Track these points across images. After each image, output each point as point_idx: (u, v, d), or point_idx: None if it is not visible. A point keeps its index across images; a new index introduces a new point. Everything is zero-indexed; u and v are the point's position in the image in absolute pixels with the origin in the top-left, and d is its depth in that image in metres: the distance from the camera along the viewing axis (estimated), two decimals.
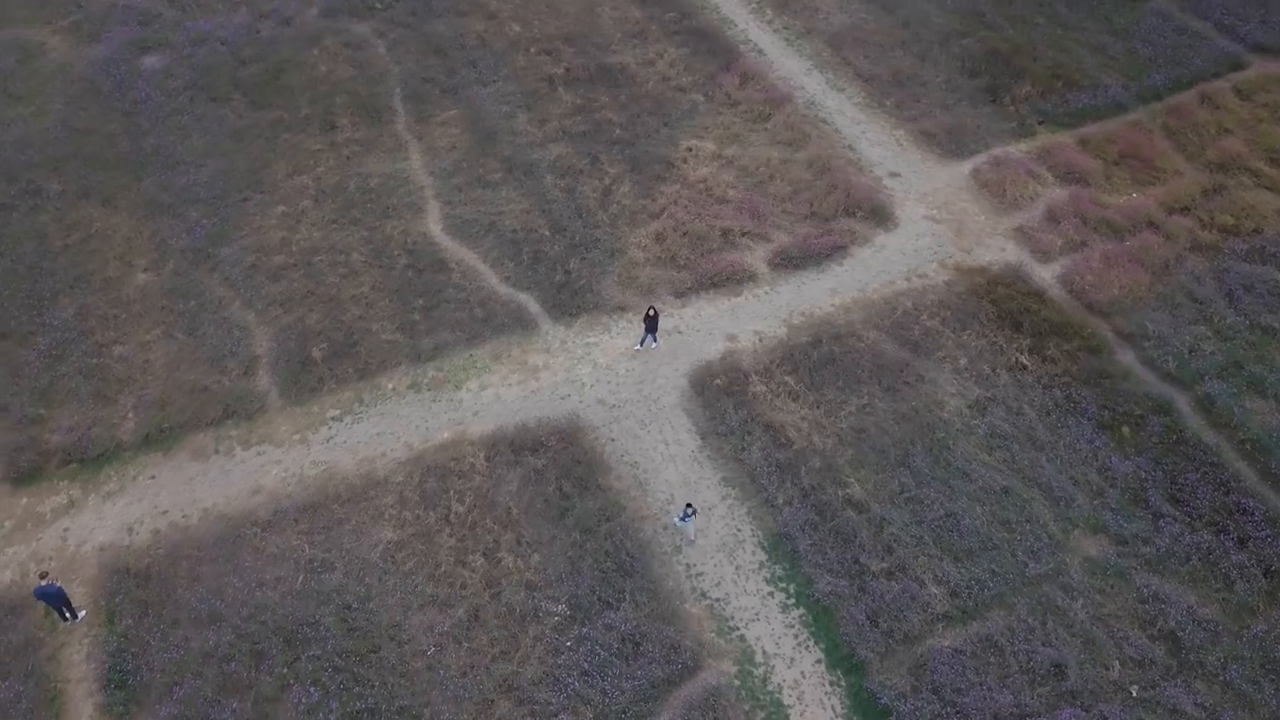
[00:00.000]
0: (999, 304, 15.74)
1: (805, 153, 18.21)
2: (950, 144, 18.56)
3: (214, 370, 15.00)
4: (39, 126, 19.13)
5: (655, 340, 14.62)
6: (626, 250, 16.65)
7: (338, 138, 19.05)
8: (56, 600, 12.42)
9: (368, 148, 18.71)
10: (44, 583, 12.39)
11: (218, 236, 16.88)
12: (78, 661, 12.21)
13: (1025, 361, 14.73)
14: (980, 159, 17.91)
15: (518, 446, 14.10)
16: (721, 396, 14.73)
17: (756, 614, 12.69)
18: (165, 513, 13.45)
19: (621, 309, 15.70)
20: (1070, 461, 13.61)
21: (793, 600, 12.75)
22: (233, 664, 11.90)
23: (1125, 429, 13.88)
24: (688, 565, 12.99)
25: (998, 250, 16.30)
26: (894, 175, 18.20)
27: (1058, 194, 17.46)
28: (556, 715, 11.51)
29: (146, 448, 14.12)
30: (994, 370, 14.67)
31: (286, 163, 18.52)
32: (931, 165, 17.82)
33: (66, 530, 13.36)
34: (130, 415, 14.63)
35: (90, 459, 14.04)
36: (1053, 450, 13.79)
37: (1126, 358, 14.92)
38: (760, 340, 15.43)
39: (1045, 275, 15.90)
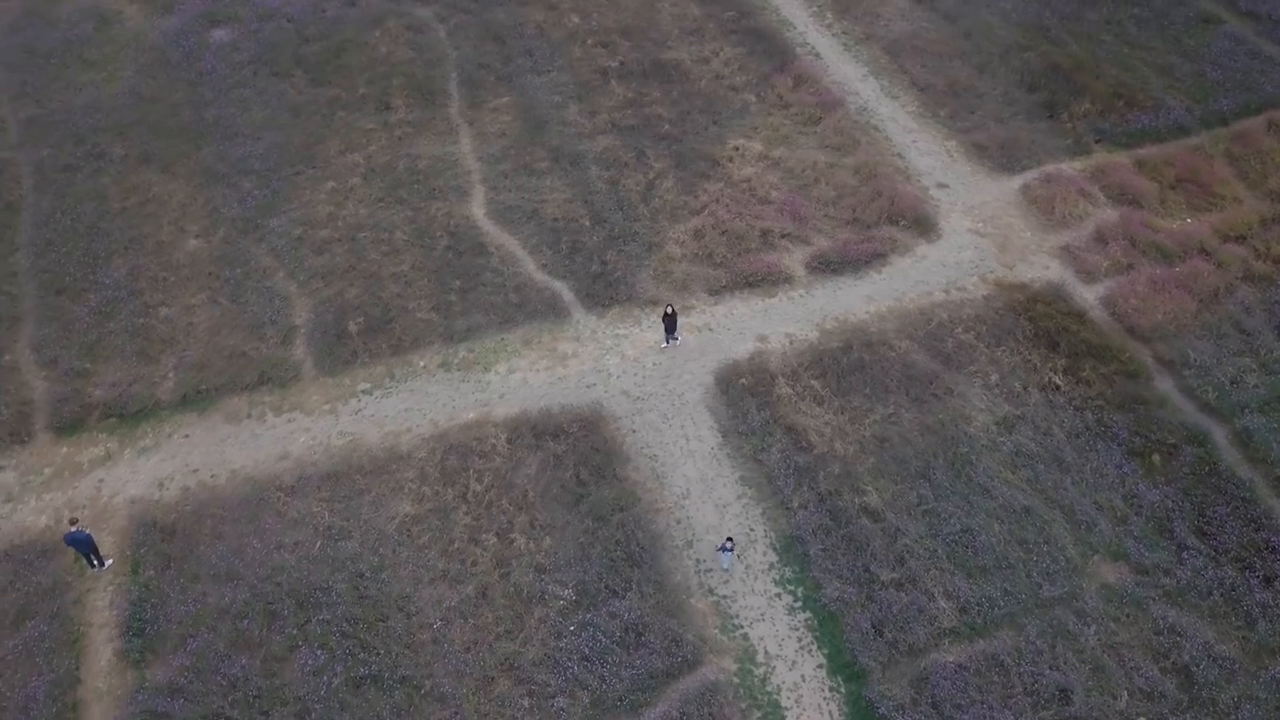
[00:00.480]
0: (1037, 322, 15.57)
1: (853, 158, 18.12)
2: (1002, 158, 18.21)
3: (253, 337, 15.44)
4: (109, 92, 19.79)
5: (676, 338, 14.73)
6: (664, 245, 16.76)
7: (391, 118, 19.43)
8: (85, 547, 12.85)
9: (419, 129, 19.06)
10: (74, 529, 12.84)
11: (268, 208, 17.32)
12: (101, 607, 12.62)
13: (1058, 382, 14.59)
14: (1031, 175, 17.72)
15: (540, 431, 14.31)
16: (746, 396, 14.80)
17: (762, 614, 12.75)
18: (195, 471, 13.84)
19: (654, 303, 15.85)
20: (1096, 486, 13.48)
21: (800, 603, 12.79)
22: (246, 621, 12.23)
23: (1156, 457, 13.69)
24: (697, 560, 13.08)
25: (1041, 268, 16.17)
26: (941, 186, 18.12)
27: (1108, 214, 17.22)
28: (554, 697, 11.68)
29: (183, 407, 14.56)
30: (1025, 388, 14.54)
31: (340, 140, 18.93)
32: (981, 178, 17.70)
33: (101, 481, 13.81)
34: (170, 375, 15.10)
35: (129, 414, 14.53)
36: (1078, 473, 13.66)
37: (1164, 385, 14.70)
38: (790, 343, 15.46)
39: (1088, 296, 15.74)
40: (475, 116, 18.68)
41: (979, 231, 16.78)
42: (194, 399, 14.22)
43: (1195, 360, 14.99)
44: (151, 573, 12.45)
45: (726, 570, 12.42)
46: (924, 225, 17.19)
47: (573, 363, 14.79)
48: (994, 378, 14.50)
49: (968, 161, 18.02)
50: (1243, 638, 12.26)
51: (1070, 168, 17.99)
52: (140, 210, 16.90)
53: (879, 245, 16.32)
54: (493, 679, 11.60)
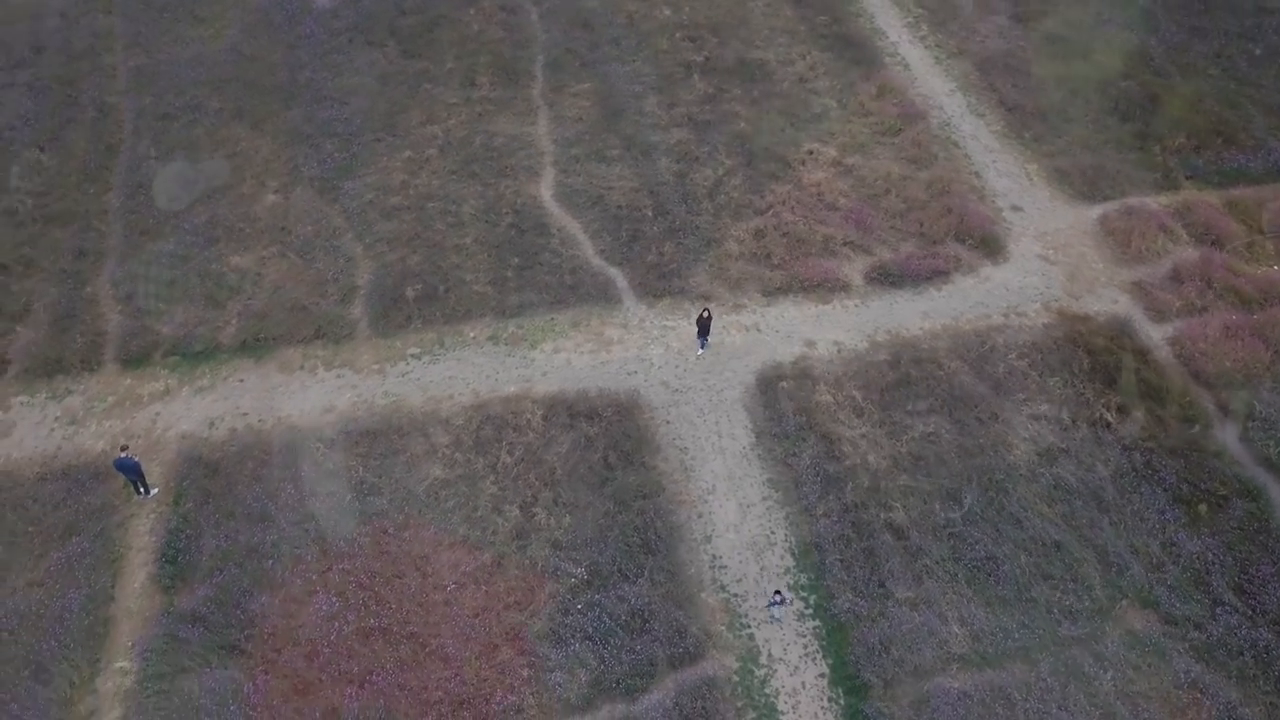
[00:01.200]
0: (1096, 356, 15.17)
1: (928, 173, 17.92)
2: (1084, 185, 17.74)
3: (315, 293, 15.94)
4: (212, 48, 20.59)
5: (705, 344, 14.76)
6: (724, 242, 16.80)
7: (474, 94, 19.84)
8: (132, 473, 13.43)
9: (500, 108, 19.43)
10: (123, 455, 13.44)
11: (345, 170, 17.86)
12: (142, 533, 13.16)
13: (1110, 419, 14.25)
14: (1112, 205, 17.32)
15: (575, 412, 14.50)
16: (784, 399, 14.77)
17: (770, 616, 12.77)
18: (244, 414, 14.35)
19: (705, 298, 15.89)
20: (1134, 529, 13.15)
21: (810, 610, 12.77)
22: (271, 562, 12.66)
23: (1203, 507, 13.28)
24: (713, 556, 13.14)
25: (1109, 301, 15.84)
26: (1016, 209, 17.81)
27: (1188, 254, 16.75)
28: (553, 671, 11.83)
29: (242, 352, 15.11)
30: (1074, 422, 14.23)
31: (422, 111, 19.42)
32: (1059, 204, 17.37)
33: (158, 414, 14.41)
34: (234, 321, 15.64)
35: (191, 354, 15.07)
36: (1117, 514, 13.35)
37: (1224, 435, 14.22)
38: (838, 351, 15.26)
39: (1154, 335, 15.38)
40: (555, 100, 19.00)
41: (1048, 258, 16.49)
42: (253, 346, 14.74)
43: (1261, 412, 14.47)
44: (191, 505, 12.95)
45: (778, 621, 12.37)
46: (992, 246, 16.93)
47: (617, 349, 14.95)
48: (1043, 407, 14.26)
49: (1047, 186, 17.70)
50: (1270, 704, 11.87)
51: (1154, 202, 17.53)
52: (227, 162, 17.55)
53: (942, 262, 16.17)
54: (497, 646, 11.82)
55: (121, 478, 13.16)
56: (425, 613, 11.95)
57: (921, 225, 17.03)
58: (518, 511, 12.95)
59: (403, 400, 14.07)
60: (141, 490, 13.07)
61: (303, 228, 16.36)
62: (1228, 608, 12.79)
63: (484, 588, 11.80)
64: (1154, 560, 13.15)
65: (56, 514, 12.88)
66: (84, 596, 12.14)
